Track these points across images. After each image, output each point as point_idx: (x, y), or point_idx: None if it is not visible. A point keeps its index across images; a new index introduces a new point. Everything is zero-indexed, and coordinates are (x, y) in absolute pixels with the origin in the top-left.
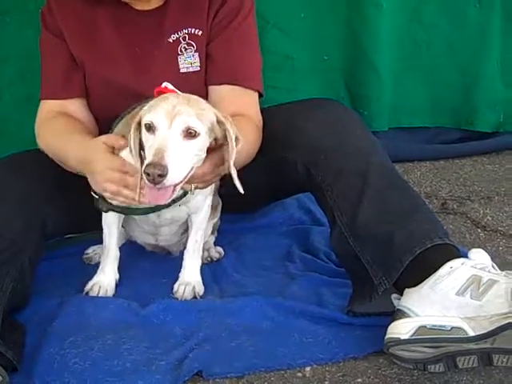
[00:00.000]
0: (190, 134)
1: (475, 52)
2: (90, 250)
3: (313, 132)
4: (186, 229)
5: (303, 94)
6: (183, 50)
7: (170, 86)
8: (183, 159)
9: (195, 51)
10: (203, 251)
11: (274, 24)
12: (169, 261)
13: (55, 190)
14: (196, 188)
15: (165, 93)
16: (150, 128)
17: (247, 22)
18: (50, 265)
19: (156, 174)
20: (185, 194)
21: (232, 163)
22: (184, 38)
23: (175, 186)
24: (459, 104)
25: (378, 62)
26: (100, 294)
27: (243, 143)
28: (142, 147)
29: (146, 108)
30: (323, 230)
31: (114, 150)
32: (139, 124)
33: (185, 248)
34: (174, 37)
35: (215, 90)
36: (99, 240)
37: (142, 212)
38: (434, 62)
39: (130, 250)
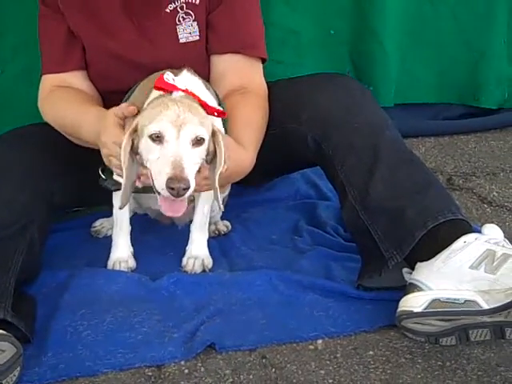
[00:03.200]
0: (198, 142)
1: (482, 29)
2: (97, 223)
3: (324, 105)
4: (192, 198)
5: (308, 69)
6: (181, 19)
7: (171, 79)
8: (194, 168)
9: (193, 20)
10: (210, 224)
11: None
12: (174, 234)
13: (62, 164)
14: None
15: (164, 89)
16: (157, 138)
17: None
18: (58, 237)
19: (181, 188)
20: None
21: (217, 178)
22: (181, 8)
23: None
24: (465, 80)
25: (384, 37)
26: (122, 269)
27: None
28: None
29: (144, 115)
30: (330, 205)
31: (123, 123)
32: (135, 131)
33: (190, 220)
34: (171, 6)
35: (218, 60)
36: (107, 213)
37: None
38: (441, 38)
39: (135, 223)
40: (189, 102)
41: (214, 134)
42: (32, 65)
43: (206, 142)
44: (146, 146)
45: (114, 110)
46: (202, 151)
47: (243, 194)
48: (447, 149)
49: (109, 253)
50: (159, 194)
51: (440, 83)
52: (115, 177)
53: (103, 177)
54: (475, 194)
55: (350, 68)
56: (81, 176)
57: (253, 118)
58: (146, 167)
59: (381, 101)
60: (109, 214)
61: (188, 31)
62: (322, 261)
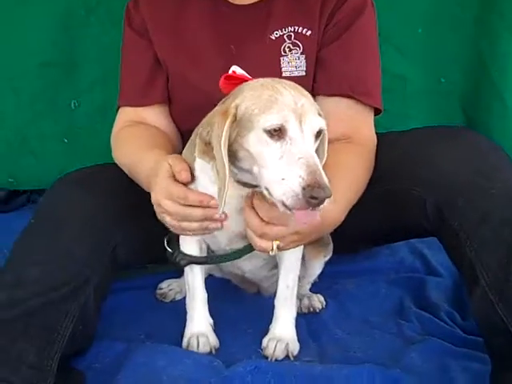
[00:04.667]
0: (317, 136)
1: None
2: (164, 285)
3: (449, 166)
4: (276, 263)
5: (414, 120)
6: (287, 50)
7: (240, 70)
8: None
9: (301, 53)
10: (302, 298)
11: (387, 38)
12: (258, 305)
13: (129, 212)
14: (278, 248)
15: (235, 80)
16: (275, 132)
17: (370, 25)
18: (117, 299)
19: (325, 197)
20: None
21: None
22: (289, 37)
23: None
24: None
25: (505, 91)
26: (201, 350)
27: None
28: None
29: (246, 99)
30: (441, 283)
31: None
32: (235, 118)
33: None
34: (276, 34)
35: (324, 102)
36: (176, 272)
37: (225, 259)
38: None
39: (210, 288)
40: (293, 84)
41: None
42: (108, 100)
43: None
44: (258, 141)
45: (170, 159)
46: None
47: (335, 262)
48: None
49: (176, 322)
50: (285, 205)
51: None
52: (184, 248)
53: (169, 250)
54: None
55: (461, 122)
56: (149, 226)
57: (353, 167)
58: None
59: None
60: (178, 273)
61: (294, 64)
62: (436, 357)
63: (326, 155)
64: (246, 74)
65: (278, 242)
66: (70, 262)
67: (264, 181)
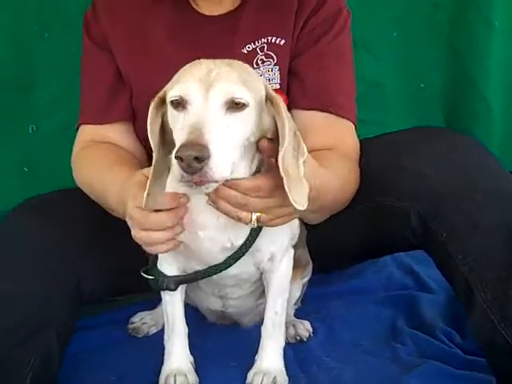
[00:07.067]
0: (235, 105)
1: None
2: (136, 319)
3: (431, 172)
4: (263, 290)
5: (394, 128)
6: (260, 62)
7: None
8: (229, 140)
9: (275, 64)
10: (287, 326)
11: (361, 44)
12: (240, 337)
13: (94, 241)
14: (258, 221)
15: None
16: (179, 104)
17: (344, 35)
18: (83, 338)
19: (191, 156)
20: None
21: (280, 161)
22: (262, 49)
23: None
24: None
25: (488, 91)
26: None
27: (334, 179)
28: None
29: (174, 79)
30: (435, 299)
31: None
32: (163, 101)
33: (261, 320)
34: (249, 47)
35: (302, 116)
36: (149, 303)
37: (215, 271)
38: None
39: (188, 318)
40: (234, 61)
41: (270, 100)
42: (68, 122)
43: (251, 111)
44: (170, 116)
45: (144, 170)
46: (245, 122)
47: (322, 283)
48: None
49: (151, 359)
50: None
51: None
52: (165, 271)
53: (151, 277)
54: None
55: (444, 127)
56: (117, 254)
57: (337, 166)
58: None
59: None
60: (151, 305)
61: (267, 77)
62: (437, 382)
63: (286, 127)
64: None
65: (258, 214)
66: (27, 301)
67: None
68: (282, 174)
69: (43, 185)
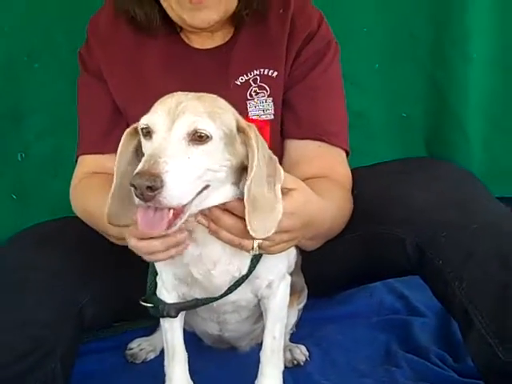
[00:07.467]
0: (198, 137)
1: None
2: (134, 345)
3: (426, 201)
4: (260, 314)
5: (378, 157)
6: (253, 94)
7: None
8: (188, 170)
9: (268, 96)
10: (284, 351)
11: (344, 75)
12: (238, 359)
13: (95, 268)
14: (260, 247)
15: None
16: (148, 133)
17: (334, 67)
18: (82, 363)
19: (144, 185)
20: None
21: (246, 190)
22: (255, 80)
23: (179, 210)
24: None
25: (466, 123)
26: None
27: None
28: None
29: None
30: (426, 323)
31: None
32: (136, 131)
33: (257, 344)
34: (242, 79)
35: (296, 146)
36: (146, 329)
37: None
38: None
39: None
40: (207, 94)
41: (242, 130)
42: (58, 151)
43: (215, 143)
44: (142, 143)
45: None
46: (210, 154)
47: (315, 307)
48: None
49: None
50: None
51: None
52: (165, 299)
53: (151, 305)
54: None
55: (426, 155)
56: (117, 281)
57: (332, 194)
58: None
59: None
60: (148, 331)
61: (261, 108)
62: None
63: (255, 157)
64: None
65: (259, 241)
66: (32, 330)
67: None
68: (246, 203)
69: (31, 211)
